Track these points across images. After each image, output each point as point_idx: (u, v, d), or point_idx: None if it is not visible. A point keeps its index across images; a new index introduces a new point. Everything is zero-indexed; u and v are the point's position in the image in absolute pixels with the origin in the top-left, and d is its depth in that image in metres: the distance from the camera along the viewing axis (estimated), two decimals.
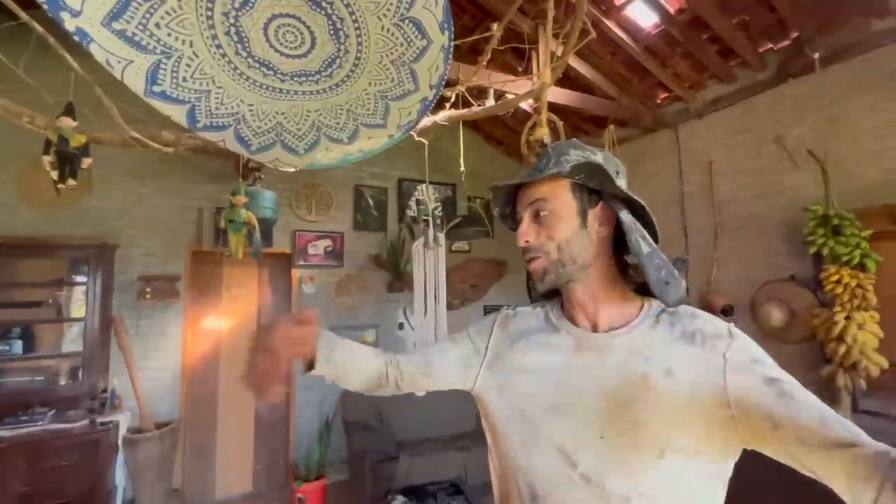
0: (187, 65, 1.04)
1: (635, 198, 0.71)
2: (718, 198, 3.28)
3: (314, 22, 1.08)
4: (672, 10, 2.87)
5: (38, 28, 1.20)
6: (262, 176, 2.94)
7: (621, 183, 0.72)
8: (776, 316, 2.76)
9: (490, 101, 2.29)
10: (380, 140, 1.41)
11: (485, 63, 1.76)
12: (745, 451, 0.62)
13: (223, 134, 1.18)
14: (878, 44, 2.47)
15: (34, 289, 3.06)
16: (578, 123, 4.24)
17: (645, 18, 3.00)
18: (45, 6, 0.85)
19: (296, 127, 1.27)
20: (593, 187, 0.72)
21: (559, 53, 1.81)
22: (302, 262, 3.95)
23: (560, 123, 1.63)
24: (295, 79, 1.17)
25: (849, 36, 2.55)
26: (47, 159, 1.35)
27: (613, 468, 0.62)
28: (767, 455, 0.59)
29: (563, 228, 0.71)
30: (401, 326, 4.26)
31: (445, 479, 3.22)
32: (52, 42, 1.21)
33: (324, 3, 1.04)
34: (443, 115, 1.90)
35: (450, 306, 2.33)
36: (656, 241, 0.71)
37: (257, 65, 1.12)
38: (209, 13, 0.99)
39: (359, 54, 1.17)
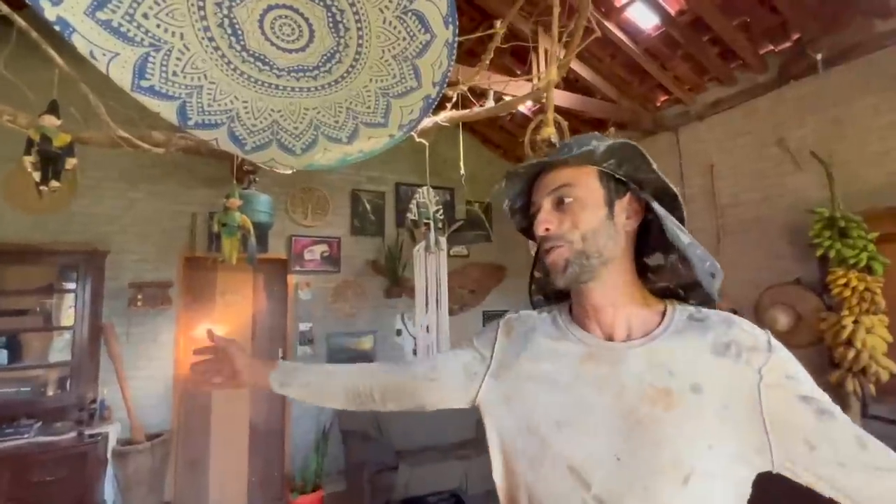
0: (177, 58, 0.98)
1: (670, 186, 0.66)
2: (720, 201, 3.24)
3: (312, 14, 1.02)
4: (673, 12, 2.85)
5: (20, 21, 1.13)
6: (258, 179, 2.88)
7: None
8: (782, 320, 2.72)
9: (490, 104, 2.25)
10: (380, 140, 1.36)
11: (487, 61, 1.71)
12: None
13: (216, 132, 1.12)
14: (881, 45, 2.45)
15: (21, 296, 2.97)
16: (578, 126, 4.20)
17: (645, 20, 2.98)
18: None
19: (293, 125, 1.21)
20: (622, 176, 0.67)
21: (562, 53, 1.77)
22: (298, 268, 3.87)
23: (565, 124, 1.58)
24: (292, 74, 1.11)
25: (851, 37, 2.53)
26: (29, 160, 1.28)
27: (631, 492, 0.55)
28: (787, 477, 0.56)
29: (589, 217, 0.64)
30: (398, 333, 4.19)
31: (446, 489, 3.14)
32: (34, 36, 1.15)
33: None
34: (444, 116, 1.85)
35: (449, 312, 2.28)
36: None
37: (252, 59, 1.06)
38: (201, 3, 0.94)
39: (359, 49, 1.11)
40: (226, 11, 0.96)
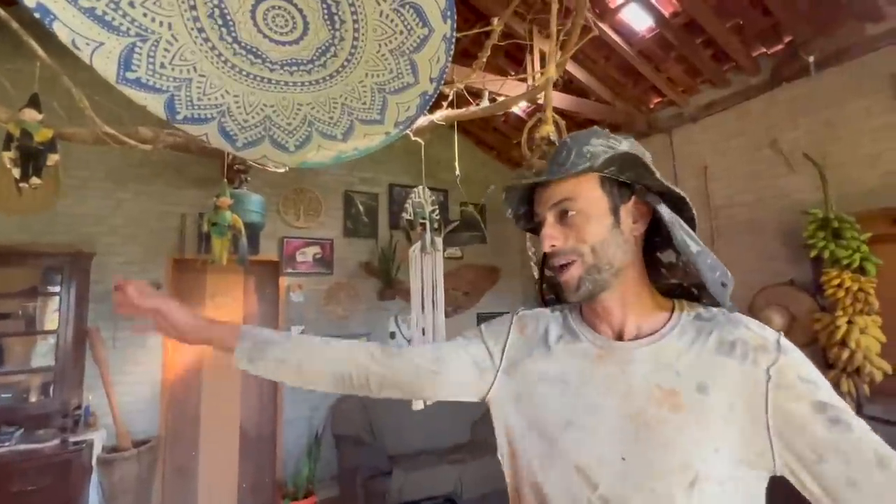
0: (165, 49, 0.94)
1: (676, 190, 0.64)
2: (714, 202, 3.25)
3: (307, 5, 0.99)
4: (666, 14, 2.86)
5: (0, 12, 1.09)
6: (249, 179, 2.83)
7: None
8: (776, 321, 2.72)
9: (485, 104, 2.23)
10: (376, 137, 1.32)
11: (484, 58, 1.69)
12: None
13: (206, 127, 1.08)
14: (872, 47, 2.47)
15: (3, 300, 2.87)
16: (572, 128, 4.19)
17: (639, 22, 2.99)
18: None
19: (286, 121, 1.18)
20: (625, 180, 0.64)
21: (559, 54, 1.75)
22: (290, 270, 3.81)
23: (562, 123, 1.56)
24: (285, 68, 1.08)
25: (843, 40, 2.55)
26: (8, 155, 1.23)
27: (637, 494, 0.55)
28: (793, 484, 0.53)
29: (596, 229, 0.62)
30: (392, 335, 4.14)
31: (440, 494, 3.10)
32: (15, 27, 1.10)
33: None
34: (440, 115, 1.82)
35: (444, 314, 2.26)
36: None
37: (244, 52, 1.02)
38: None
39: (355, 42, 1.08)
40: (216, 1, 0.93)
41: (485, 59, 1.71)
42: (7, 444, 2.49)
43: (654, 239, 0.69)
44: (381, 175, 4.33)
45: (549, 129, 1.36)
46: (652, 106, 3.67)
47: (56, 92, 1.37)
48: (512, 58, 3.52)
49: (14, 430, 2.60)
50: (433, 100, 1.28)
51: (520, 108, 3.92)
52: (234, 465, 3.52)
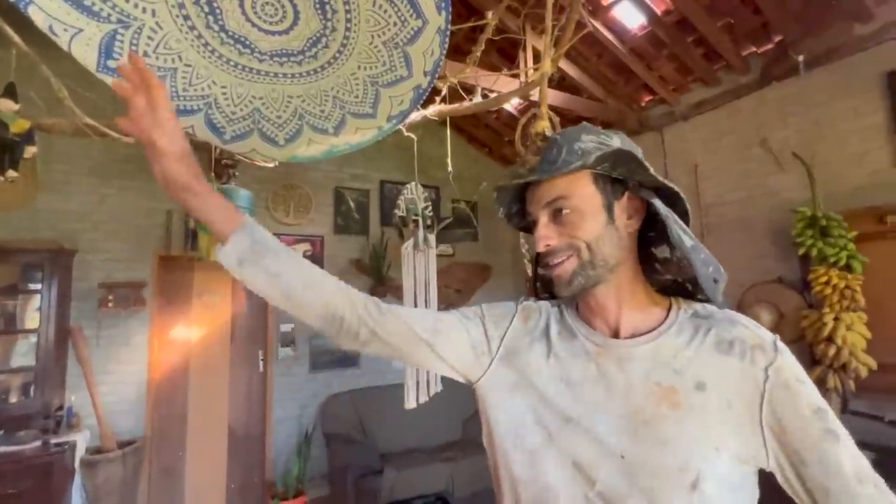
0: (149, 37, 0.90)
1: (669, 185, 0.63)
2: (705, 200, 3.28)
3: None
4: (659, 12, 2.86)
5: None
6: (237, 174, 2.77)
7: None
8: (765, 318, 2.75)
9: (477, 100, 2.20)
10: (368, 132, 1.29)
11: (479, 53, 1.67)
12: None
13: (192, 119, 1.04)
14: (860, 48, 2.50)
15: None
16: (565, 125, 4.20)
17: (632, 19, 2.99)
18: None
19: (276, 114, 1.14)
20: (618, 176, 0.64)
21: (553, 46, 1.73)
22: None
23: (556, 119, 1.55)
24: (275, 59, 1.05)
25: (832, 40, 2.57)
26: None
27: (636, 492, 0.54)
28: (779, 481, 0.56)
29: (590, 227, 0.62)
30: None
31: (432, 493, 3.09)
32: None
33: None
34: (433, 110, 1.80)
35: None
36: None
37: (232, 41, 0.99)
38: None
39: (347, 33, 1.05)
40: None
41: (479, 54, 1.69)
42: None
43: (648, 234, 0.69)
44: (372, 171, 4.29)
45: (544, 125, 1.35)
46: (643, 104, 3.69)
47: (34, 82, 1.31)
48: (504, 54, 3.51)
49: None
50: (427, 94, 1.26)
51: (511, 105, 3.91)
52: (223, 465, 3.47)
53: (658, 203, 0.63)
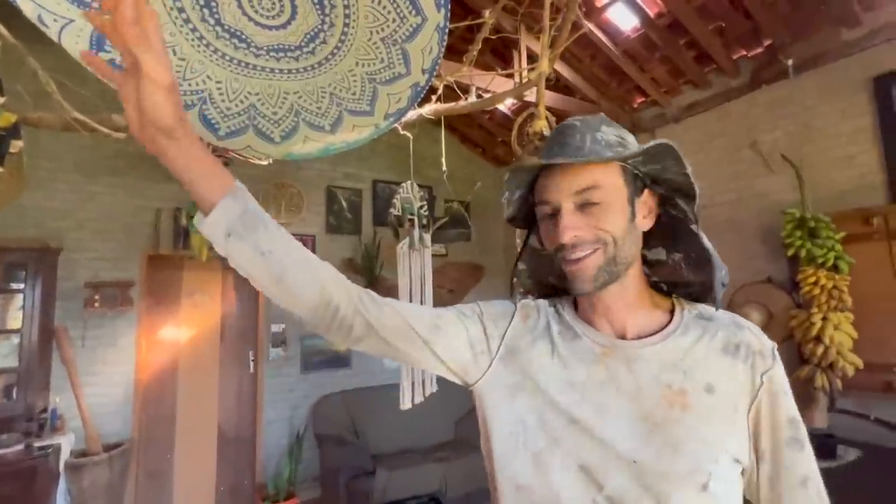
0: None
1: (694, 186, 0.61)
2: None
3: None
4: (652, 14, 2.89)
5: None
6: None
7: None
8: (754, 318, 2.79)
9: (472, 99, 2.20)
10: (365, 130, 1.28)
11: (475, 52, 1.67)
12: None
13: (186, 114, 1.02)
14: (847, 53, 2.55)
15: None
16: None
17: (625, 21, 3.01)
18: None
19: (271, 111, 1.13)
20: (641, 173, 0.62)
21: (549, 47, 1.74)
22: None
23: (553, 119, 1.55)
24: (271, 54, 1.03)
25: (820, 44, 2.62)
26: None
27: (646, 495, 0.53)
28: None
29: (618, 221, 0.59)
30: None
31: (425, 493, 3.07)
32: None
33: None
34: (429, 109, 1.79)
35: None
36: None
37: (227, 35, 0.97)
38: None
39: (345, 29, 1.04)
40: None
41: (475, 53, 1.68)
42: None
43: (645, 236, 0.67)
44: (365, 171, 4.27)
45: (542, 125, 1.34)
46: (636, 105, 3.72)
47: (21, 75, 1.28)
48: (498, 55, 3.51)
49: None
50: (424, 92, 1.25)
51: (505, 106, 3.92)
52: (212, 467, 3.42)
53: (683, 203, 0.62)
